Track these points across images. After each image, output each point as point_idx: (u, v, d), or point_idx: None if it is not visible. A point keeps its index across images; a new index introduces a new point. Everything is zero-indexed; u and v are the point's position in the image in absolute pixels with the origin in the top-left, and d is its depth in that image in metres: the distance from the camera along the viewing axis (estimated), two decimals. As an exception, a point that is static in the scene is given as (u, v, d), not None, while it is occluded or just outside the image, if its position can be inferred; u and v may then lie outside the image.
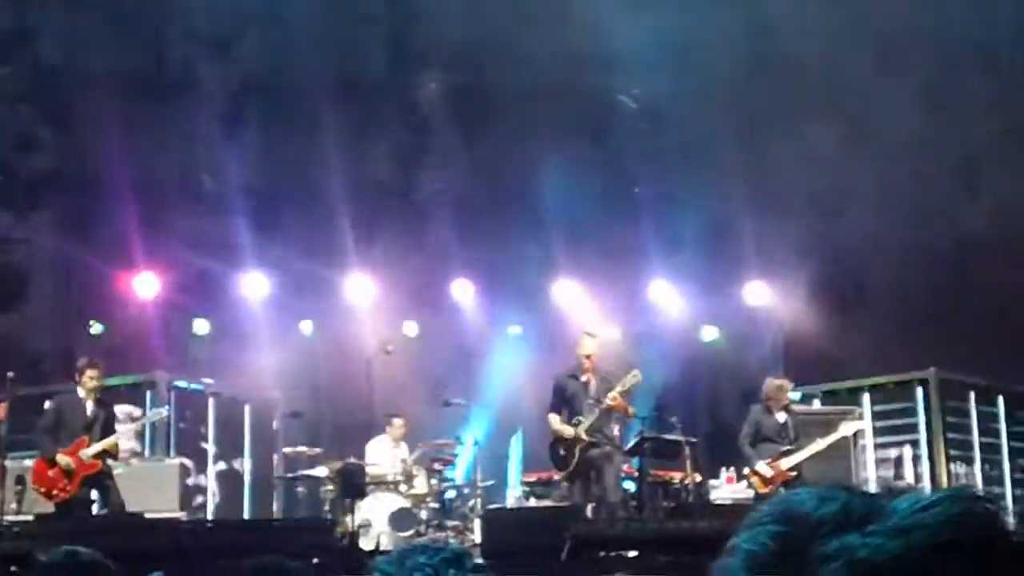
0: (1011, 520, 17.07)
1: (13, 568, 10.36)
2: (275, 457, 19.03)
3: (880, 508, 1.38)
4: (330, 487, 16.71)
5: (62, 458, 13.90)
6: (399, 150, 21.71)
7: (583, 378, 14.67)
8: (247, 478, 18.71)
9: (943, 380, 18.79)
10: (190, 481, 17.43)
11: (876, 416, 18.29)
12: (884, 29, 19.40)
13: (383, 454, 17.37)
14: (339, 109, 20.35)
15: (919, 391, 18.83)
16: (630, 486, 16.08)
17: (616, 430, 14.90)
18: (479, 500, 16.61)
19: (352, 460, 16.98)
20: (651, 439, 15.89)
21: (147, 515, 14.05)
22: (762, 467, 14.47)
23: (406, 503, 16.11)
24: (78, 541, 5.36)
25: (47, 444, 14.10)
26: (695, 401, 20.89)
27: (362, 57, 21.00)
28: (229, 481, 18.35)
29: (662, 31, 19.24)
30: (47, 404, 14.74)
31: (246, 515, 18.19)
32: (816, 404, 18.67)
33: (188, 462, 17.31)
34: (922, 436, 18.58)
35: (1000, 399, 19.57)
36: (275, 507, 18.69)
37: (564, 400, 14.74)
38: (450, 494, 16.95)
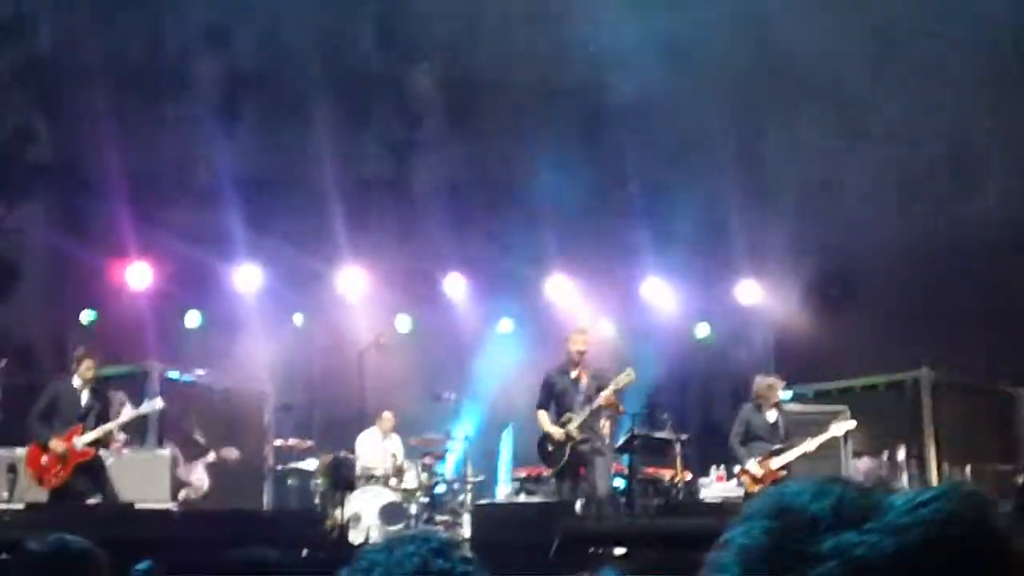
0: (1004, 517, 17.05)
1: (3, 556, 10.34)
2: (266, 449, 19.03)
3: (875, 504, 1.38)
4: (320, 480, 16.73)
5: (56, 444, 13.92)
6: (392, 143, 21.72)
7: (573, 374, 14.56)
8: (238, 470, 18.69)
9: (936, 379, 18.80)
10: (180, 472, 17.43)
11: (867, 415, 18.28)
12: (878, 24, 19.41)
13: (373, 447, 17.38)
14: (332, 102, 20.37)
15: (911, 391, 18.84)
16: (620, 483, 16.07)
17: (607, 427, 14.88)
18: (469, 495, 16.62)
19: (343, 453, 17.01)
20: (641, 436, 15.89)
21: (138, 505, 14.07)
22: (752, 466, 14.46)
23: (396, 497, 16.12)
24: (68, 530, 5.37)
25: (40, 430, 14.12)
26: (686, 399, 20.91)
27: (355, 50, 21.01)
28: (219, 473, 18.35)
29: (655, 26, 19.26)
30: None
31: (236, 507, 18.19)
32: (807, 404, 18.66)
33: (178, 453, 17.32)
34: (913, 435, 18.58)
35: (992, 398, 19.58)
36: (265, 499, 18.68)
37: (553, 396, 14.64)
38: (440, 488, 16.95)
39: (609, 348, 19.24)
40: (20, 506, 14.00)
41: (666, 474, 16.59)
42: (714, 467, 17.49)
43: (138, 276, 20.33)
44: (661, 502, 16.03)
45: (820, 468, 15.09)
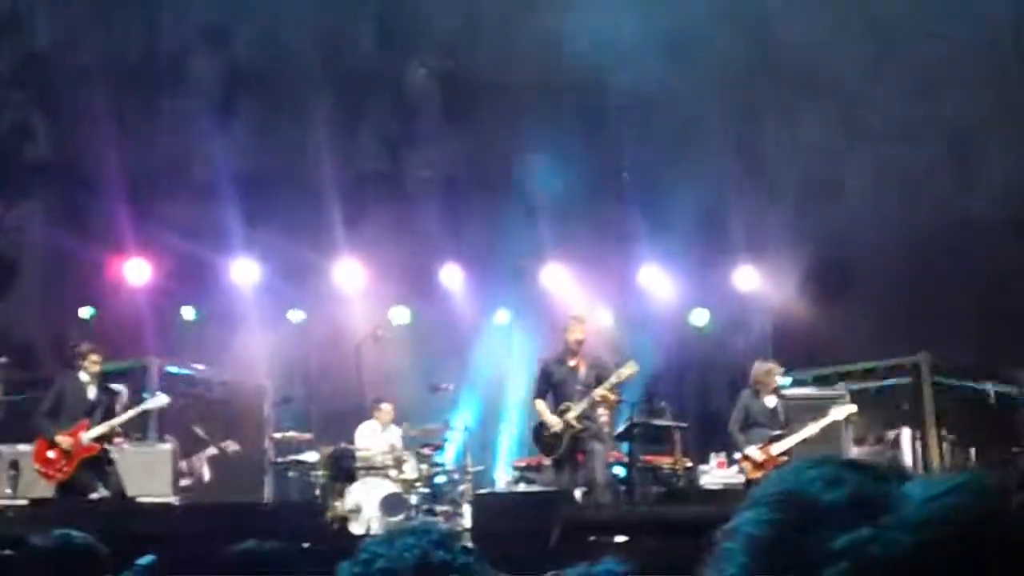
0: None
1: (7, 552, 10.37)
2: (266, 442, 19.03)
3: (890, 494, 1.34)
4: (320, 472, 16.74)
5: (62, 439, 13.97)
6: (388, 136, 21.72)
7: (572, 363, 14.51)
8: (238, 463, 18.70)
9: (934, 364, 18.79)
10: (182, 466, 17.44)
11: (867, 401, 18.25)
12: (877, 17, 19.41)
13: (372, 439, 17.38)
14: (328, 96, 20.39)
15: (910, 375, 18.83)
16: (620, 471, 16.08)
17: (605, 415, 14.87)
18: (469, 485, 16.63)
19: (342, 445, 17.02)
20: (641, 424, 15.90)
21: (140, 499, 14.10)
22: (753, 452, 14.47)
23: (396, 488, 16.12)
24: (71, 525, 5.38)
25: (46, 426, 14.15)
26: (685, 386, 20.91)
27: (351, 44, 21.01)
28: (220, 465, 18.35)
29: (653, 18, 19.25)
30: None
31: (237, 500, 18.20)
32: (806, 389, 18.64)
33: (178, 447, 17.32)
34: (914, 420, 18.57)
35: (991, 383, 19.57)
36: (266, 492, 18.69)
37: (551, 385, 14.59)
38: (440, 479, 16.95)
39: (606, 336, 19.26)
40: (23, 502, 14.03)
41: (666, 462, 16.60)
42: (714, 454, 17.46)
43: (136, 272, 20.35)
44: (661, 490, 16.04)
45: (821, 453, 15.07)
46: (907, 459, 18.19)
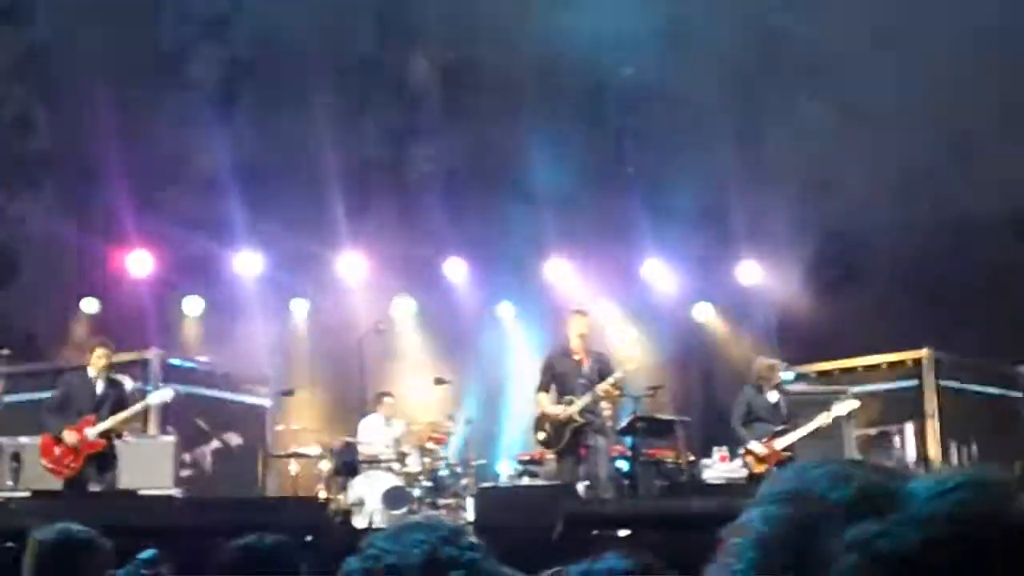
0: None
1: (9, 544, 10.37)
2: (268, 435, 19.04)
3: (896, 492, 1.35)
4: (323, 465, 16.74)
5: (68, 435, 13.98)
6: (390, 128, 21.71)
7: (576, 357, 14.52)
8: (240, 456, 18.70)
9: (938, 359, 18.79)
10: (185, 458, 17.45)
11: (871, 395, 18.24)
12: (878, 4, 19.38)
13: (376, 432, 17.38)
14: (331, 87, 20.38)
15: (914, 370, 18.83)
16: (623, 465, 16.08)
17: (608, 410, 14.86)
18: (472, 478, 16.63)
19: (345, 438, 17.02)
20: (644, 418, 15.89)
21: (141, 492, 14.10)
22: (756, 447, 14.47)
23: (399, 481, 16.11)
24: (73, 518, 5.37)
25: (52, 422, 14.17)
26: (688, 380, 20.90)
27: (353, 35, 21.01)
28: (222, 458, 18.36)
29: (654, 9, 19.24)
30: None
31: (239, 493, 18.20)
32: (809, 384, 18.63)
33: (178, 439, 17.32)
34: (917, 415, 18.57)
35: (995, 378, 19.58)
36: (268, 485, 18.70)
37: (554, 378, 14.62)
38: (443, 472, 16.95)
39: (610, 330, 19.27)
40: (25, 494, 14.03)
41: (669, 455, 16.60)
42: (716, 448, 17.47)
43: (139, 264, 20.35)
44: (664, 483, 16.03)
45: (824, 448, 15.10)
46: (910, 454, 18.20)
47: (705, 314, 21.82)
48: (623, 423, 15.75)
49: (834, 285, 20.35)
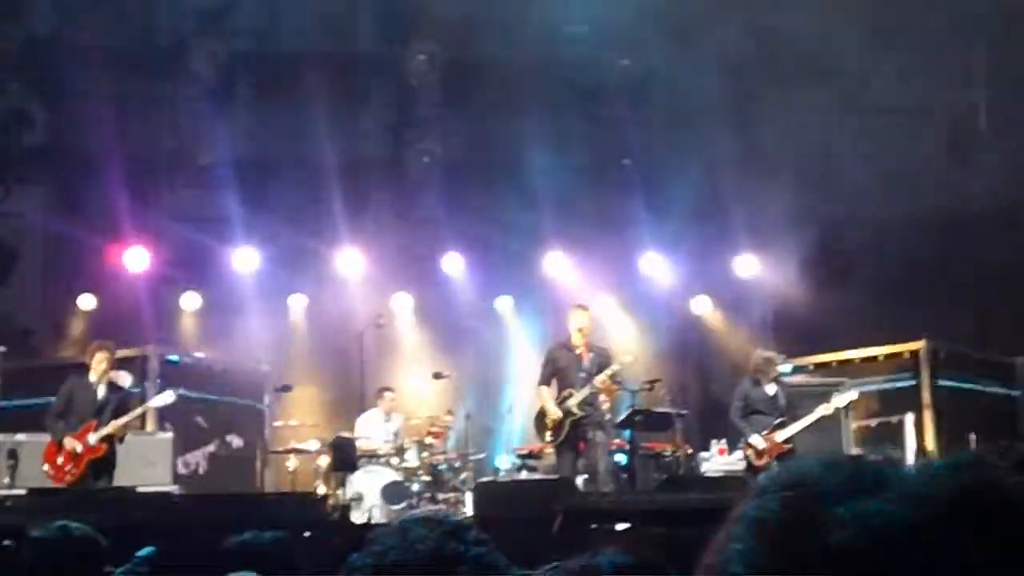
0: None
1: (6, 543, 10.36)
2: (266, 431, 19.03)
3: (890, 475, 1.37)
4: (322, 461, 16.74)
5: (69, 441, 14.01)
6: (389, 123, 21.69)
7: (576, 351, 14.61)
8: (238, 452, 18.70)
9: (935, 351, 18.79)
10: (182, 456, 17.43)
11: (867, 387, 18.24)
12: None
13: (374, 427, 17.39)
14: (329, 82, 20.33)
15: (911, 362, 18.83)
16: (621, 458, 16.09)
17: (606, 403, 14.87)
18: (470, 472, 16.64)
19: (343, 434, 17.02)
20: (642, 411, 15.92)
21: (139, 489, 14.09)
22: (756, 439, 14.49)
23: (398, 476, 16.13)
24: (70, 515, 5.36)
25: (56, 428, 14.19)
26: (686, 373, 20.89)
27: (352, 30, 20.99)
28: (220, 455, 18.35)
29: (651, 1, 19.23)
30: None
31: (237, 489, 18.20)
32: (807, 376, 18.64)
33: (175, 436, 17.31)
34: (914, 407, 18.58)
35: (991, 370, 19.58)
36: (266, 481, 18.69)
37: (556, 371, 14.70)
38: (441, 467, 16.95)
39: (608, 323, 19.28)
40: (22, 492, 14.03)
41: (667, 448, 16.61)
42: (715, 441, 17.48)
43: (136, 259, 20.32)
44: (663, 477, 16.04)
45: (822, 440, 15.14)
46: (909, 445, 18.21)
47: (703, 307, 21.82)
48: (621, 417, 15.76)
49: (831, 278, 20.34)
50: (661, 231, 21.02)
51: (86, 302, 20.28)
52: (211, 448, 18.14)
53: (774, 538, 1.35)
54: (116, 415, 14.26)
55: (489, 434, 18.53)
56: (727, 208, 20.69)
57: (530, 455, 16.85)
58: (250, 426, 18.93)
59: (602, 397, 14.57)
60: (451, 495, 16.36)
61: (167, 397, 15.48)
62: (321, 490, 16.21)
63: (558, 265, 21.39)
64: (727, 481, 15.14)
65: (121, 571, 5.49)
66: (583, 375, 14.36)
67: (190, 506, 13.95)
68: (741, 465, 15.30)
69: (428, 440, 17.09)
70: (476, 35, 20.33)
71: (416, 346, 20.70)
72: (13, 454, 15.38)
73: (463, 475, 16.64)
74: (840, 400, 15.16)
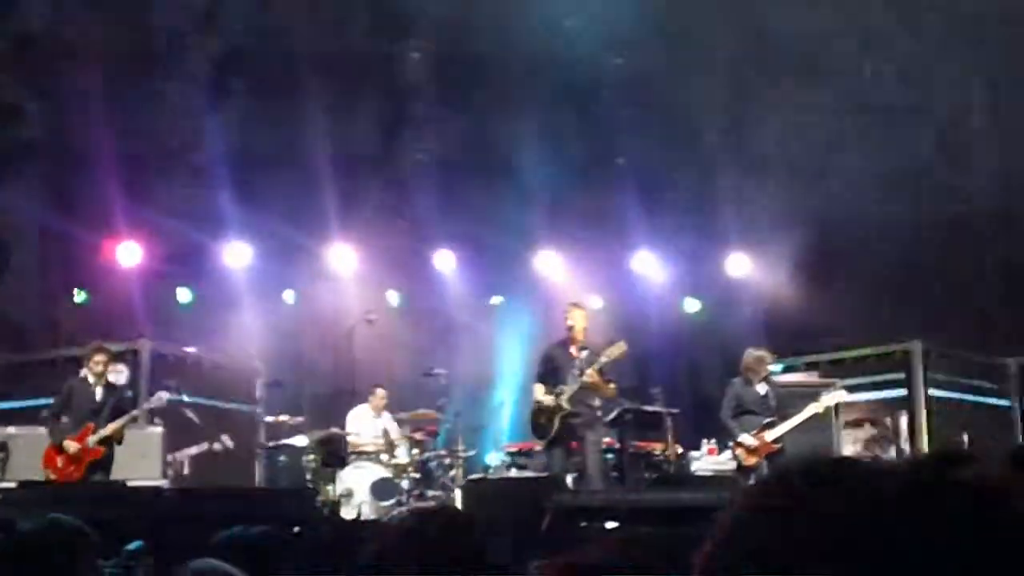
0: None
1: (-5, 536, 10.33)
2: (257, 426, 19.01)
3: (862, 468, 1.38)
4: (312, 457, 16.73)
5: (68, 444, 14.07)
6: (381, 120, 21.69)
7: (571, 349, 14.67)
8: (229, 447, 18.67)
9: (927, 351, 18.81)
10: (172, 452, 17.40)
11: (858, 388, 18.26)
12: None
13: (364, 424, 17.39)
14: (321, 79, 20.32)
15: (902, 362, 18.85)
16: (610, 457, 16.10)
17: (598, 401, 14.88)
18: (460, 469, 16.64)
19: (334, 430, 17.02)
20: (632, 410, 15.94)
21: (130, 483, 14.09)
22: (747, 439, 14.49)
23: (387, 473, 16.12)
24: (60, 508, 5.37)
25: (55, 430, 14.21)
26: (677, 372, 20.90)
27: (345, 26, 20.96)
28: (210, 451, 18.32)
29: (646, 0, 19.25)
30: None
31: (228, 484, 18.17)
32: (798, 375, 18.65)
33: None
34: (905, 408, 18.60)
35: (982, 370, 19.60)
36: (257, 476, 18.67)
37: (551, 370, 14.76)
38: (431, 464, 16.96)
39: (599, 322, 19.29)
40: (12, 485, 14.02)
41: (657, 448, 16.62)
42: (705, 440, 17.50)
43: (128, 254, 20.31)
44: (653, 476, 16.05)
45: (813, 440, 15.14)
46: (901, 445, 18.23)
47: (694, 306, 21.85)
48: (611, 415, 15.76)
49: (823, 278, 20.35)
50: (654, 230, 21.06)
51: (78, 297, 20.26)
52: (202, 444, 18.09)
53: (755, 542, 1.36)
54: (114, 416, 14.29)
55: (479, 431, 18.53)
56: (719, 207, 20.73)
57: (520, 452, 16.87)
58: (241, 422, 18.90)
59: (595, 393, 14.58)
60: (441, 492, 16.37)
61: (160, 399, 15.49)
62: (311, 486, 16.19)
63: (550, 263, 21.42)
64: (717, 480, 15.18)
65: (110, 564, 5.49)
66: (576, 372, 14.40)
67: (179, 500, 13.93)
68: (731, 465, 15.31)
69: (418, 437, 17.09)
70: (470, 33, 20.33)
71: (407, 343, 20.70)
72: (4, 447, 15.38)
73: (453, 472, 16.64)
74: (830, 399, 15.16)
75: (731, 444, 15.04)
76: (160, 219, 20.17)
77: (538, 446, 15.23)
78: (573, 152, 20.77)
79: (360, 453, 16.62)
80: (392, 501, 15.61)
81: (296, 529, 10.78)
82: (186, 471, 17.60)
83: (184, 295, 20.77)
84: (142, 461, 15.73)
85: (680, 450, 16.90)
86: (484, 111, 20.57)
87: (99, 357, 14.42)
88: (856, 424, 18.34)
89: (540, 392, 14.62)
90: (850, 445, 17.67)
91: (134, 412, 14.90)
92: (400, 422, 17.53)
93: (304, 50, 20.36)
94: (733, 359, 15.88)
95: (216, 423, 18.33)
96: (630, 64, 20.61)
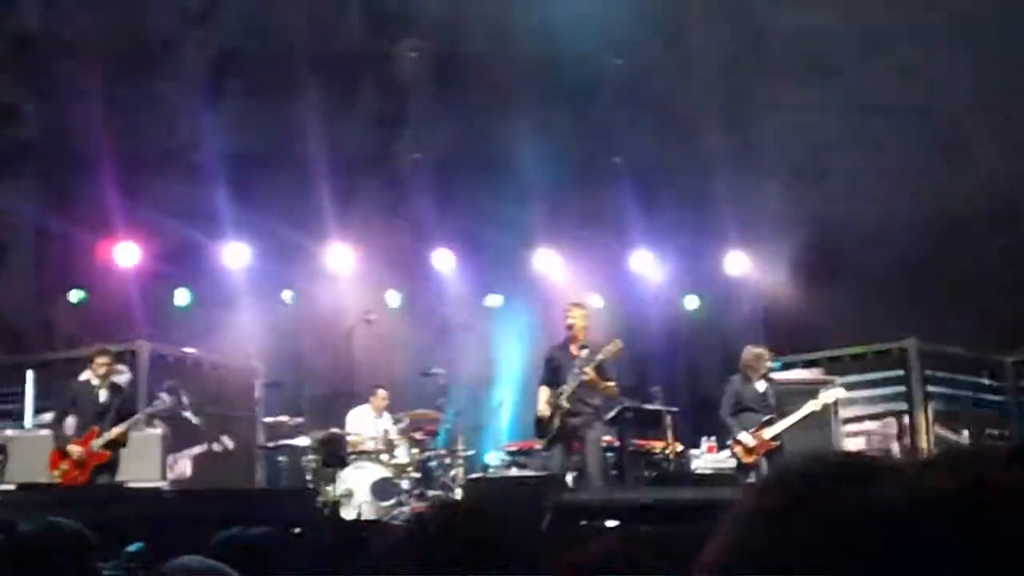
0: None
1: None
2: (256, 427, 19.00)
3: (869, 468, 1.37)
4: (312, 457, 16.72)
5: (73, 449, 14.05)
6: (379, 119, 21.67)
7: (572, 349, 14.68)
8: (228, 448, 18.66)
9: (924, 349, 18.82)
10: (173, 453, 17.40)
11: (857, 385, 18.27)
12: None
13: (364, 424, 17.38)
14: (319, 78, 20.31)
15: (900, 360, 18.86)
16: (610, 455, 16.10)
17: (598, 400, 14.88)
18: (460, 469, 16.63)
19: (334, 430, 17.01)
20: (632, 408, 15.93)
21: (129, 484, 14.08)
22: (745, 437, 14.50)
23: (388, 473, 16.12)
24: (59, 511, 5.36)
25: (60, 435, 14.20)
26: (676, 370, 20.90)
27: (341, 26, 20.95)
28: (210, 452, 18.32)
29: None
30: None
31: (228, 485, 18.17)
32: (796, 373, 18.65)
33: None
34: (903, 405, 18.61)
35: (980, 368, 19.61)
36: (257, 477, 18.67)
37: (554, 371, 14.77)
38: (431, 463, 16.96)
39: (598, 321, 19.28)
40: (11, 487, 14.01)
41: (657, 446, 16.61)
42: (705, 438, 17.50)
43: (126, 254, 20.29)
44: (653, 474, 16.05)
45: (812, 437, 15.15)
46: (899, 442, 18.24)
47: (693, 304, 21.85)
48: (611, 413, 15.76)
49: (821, 276, 20.34)
50: (652, 228, 21.05)
51: (75, 297, 20.25)
52: (202, 445, 18.09)
53: (767, 529, 1.35)
54: (118, 418, 14.28)
55: (479, 431, 18.53)
56: (718, 206, 20.72)
57: (520, 452, 16.86)
58: (240, 422, 18.89)
59: (595, 394, 14.59)
60: (441, 491, 16.36)
61: (162, 403, 15.49)
62: (312, 486, 16.18)
63: (548, 262, 21.41)
64: (717, 478, 15.18)
65: (110, 567, 5.48)
66: (575, 371, 14.41)
67: (180, 502, 13.92)
68: (731, 462, 15.32)
69: (418, 436, 17.09)
70: (466, 32, 20.33)
71: (406, 342, 20.68)
72: (3, 449, 15.37)
73: (453, 472, 16.64)
74: (827, 397, 15.19)
75: (730, 442, 15.05)
76: (158, 219, 20.15)
77: (538, 445, 15.24)
78: (571, 151, 20.76)
79: (360, 453, 16.61)
80: (392, 501, 15.61)
81: (297, 530, 10.78)
82: (193, 468, 17.63)
83: (182, 295, 20.73)
84: (142, 463, 15.72)
85: (680, 448, 16.88)
86: (482, 110, 20.55)
87: (102, 359, 14.40)
88: (854, 421, 18.35)
89: (542, 403, 14.63)
90: (848, 442, 17.67)
91: (138, 415, 14.90)
92: (399, 422, 17.52)
93: (301, 50, 20.35)
94: (732, 357, 15.89)
95: (216, 424, 18.35)
96: (628, 63, 20.60)
